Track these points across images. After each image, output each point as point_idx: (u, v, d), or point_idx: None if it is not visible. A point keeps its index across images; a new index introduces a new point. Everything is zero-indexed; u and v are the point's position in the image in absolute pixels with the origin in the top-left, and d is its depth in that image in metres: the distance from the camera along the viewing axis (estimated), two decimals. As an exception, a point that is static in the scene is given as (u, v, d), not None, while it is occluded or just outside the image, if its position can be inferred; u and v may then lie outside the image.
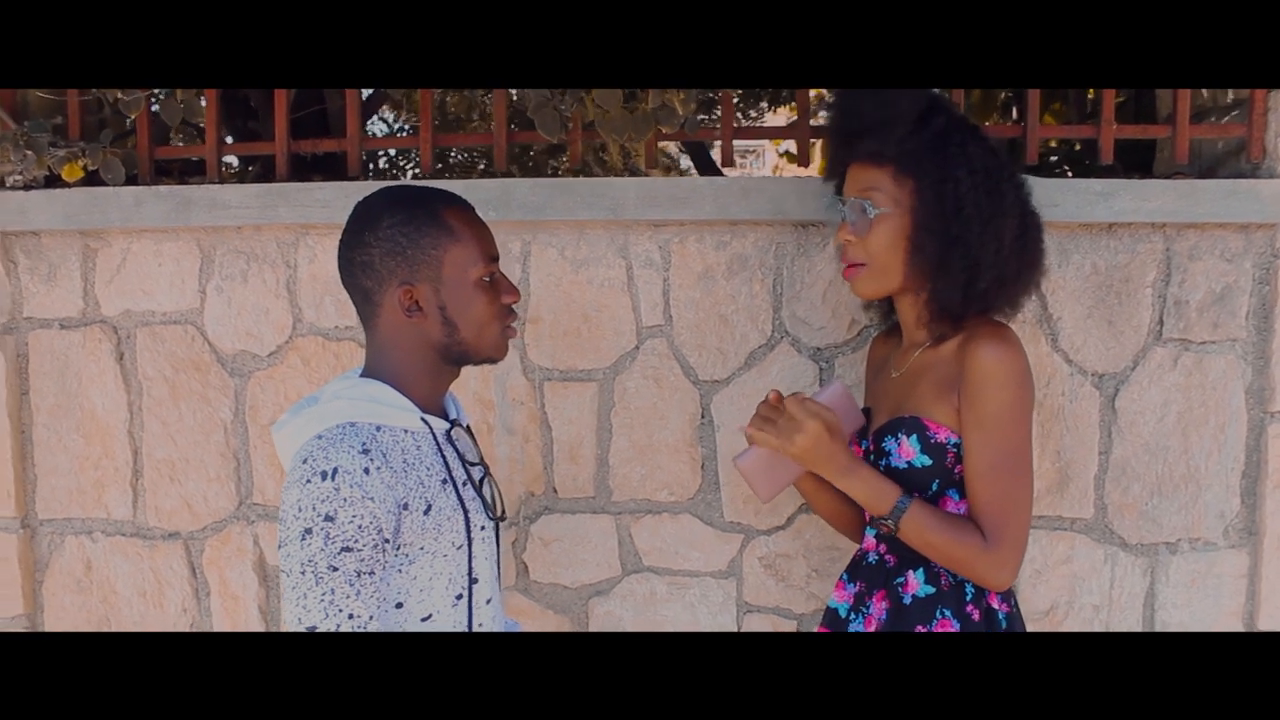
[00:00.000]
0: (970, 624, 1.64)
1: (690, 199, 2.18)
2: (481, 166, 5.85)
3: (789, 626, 2.30)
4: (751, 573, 2.28)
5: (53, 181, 2.37)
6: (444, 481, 1.42)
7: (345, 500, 1.27)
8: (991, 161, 1.67)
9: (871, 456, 1.74)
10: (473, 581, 1.47)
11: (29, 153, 2.26)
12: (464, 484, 1.47)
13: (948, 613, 1.64)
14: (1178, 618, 2.22)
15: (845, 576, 1.82)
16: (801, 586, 2.28)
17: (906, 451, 1.64)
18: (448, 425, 1.48)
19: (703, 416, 2.26)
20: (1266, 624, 2.19)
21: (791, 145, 2.33)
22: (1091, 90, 3.19)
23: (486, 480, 1.55)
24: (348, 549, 1.27)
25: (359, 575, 1.28)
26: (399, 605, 1.38)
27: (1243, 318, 2.16)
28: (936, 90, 1.75)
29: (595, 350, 2.27)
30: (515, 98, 2.32)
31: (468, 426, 1.58)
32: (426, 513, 1.37)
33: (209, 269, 2.35)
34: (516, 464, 2.31)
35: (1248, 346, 2.16)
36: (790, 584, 2.28)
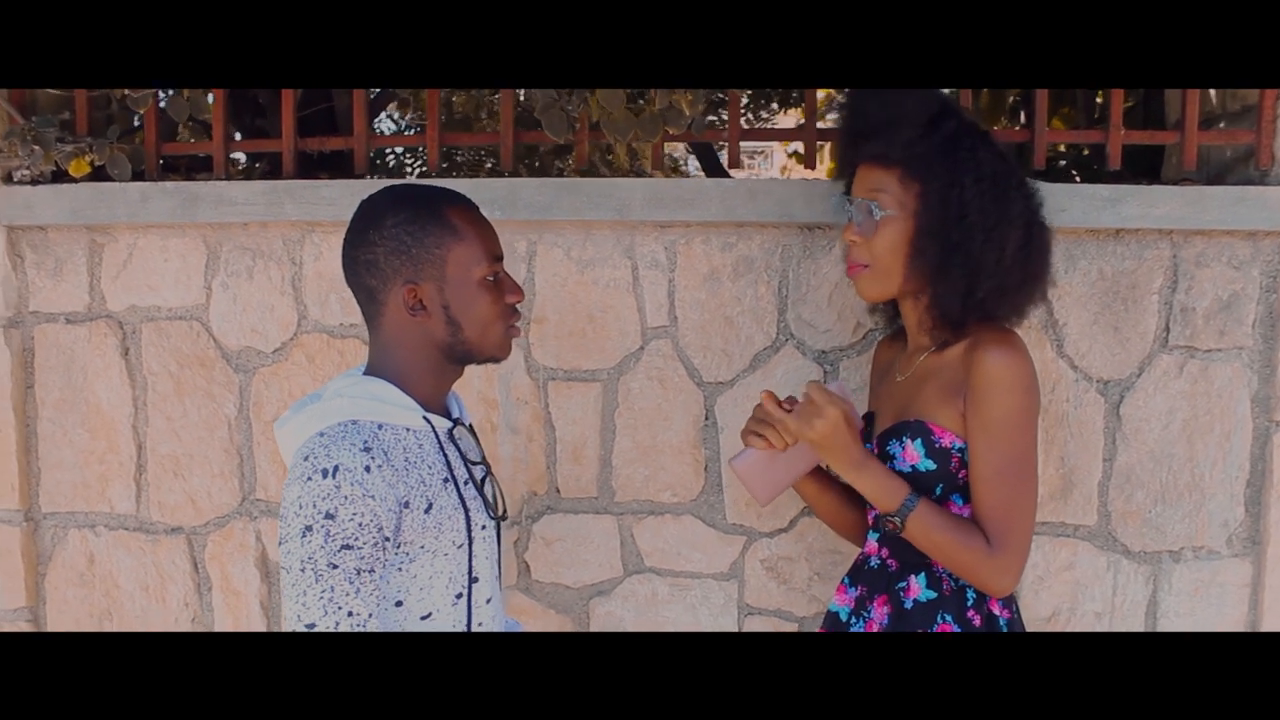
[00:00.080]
0: (971, 629, 1.63)
1: (696, 200, 2.18)
2: (489, 165, 5.85)
3: (790, 629, 2.29)
4: (753, 575, 2.28)
5: (60, 177, 2.38)
6: (445, 480, 1.42)
7: (346, 498, 1.27)
8: (1000, 168, 1.66)
9: (876, 460, 1.74)
10: (473, 580, 1.47)
11: (36, 148, 2.27)
12: (465, 483, 1.47)
13: (949, 617, 1.64)
14: (1180, 626, 2.22)
15: (847, 580, 1.81)
16: (803, 589, 2.27)
17: (911, 455, 1.64)
18: (450, 424, 1.48)
19: (706, 418, 2.26)
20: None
21: (801, 145, 2.32)
22: (1100, 95, 3.18)
23: (488, 479, 1.55)
24: (348, 546, 1.27)
25: (359, 573, 1.28)
26: (399, 603, 1.38)
27: (1249, 326, 2.15)
28: (947, 92, 1.75)
29: (600, 350, 2.27)
30: (523, 98, 2.32)
31: (470, 425, 1.58)
32: (427, 511, 1.37)
33: (215, 265, 2.36)
34: (520, 463, 2.31)
35: (1254, 355, 2.16)
36: (792, 587, 2.28)
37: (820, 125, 2.31)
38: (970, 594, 1.65)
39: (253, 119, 3.28)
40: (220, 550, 2.41)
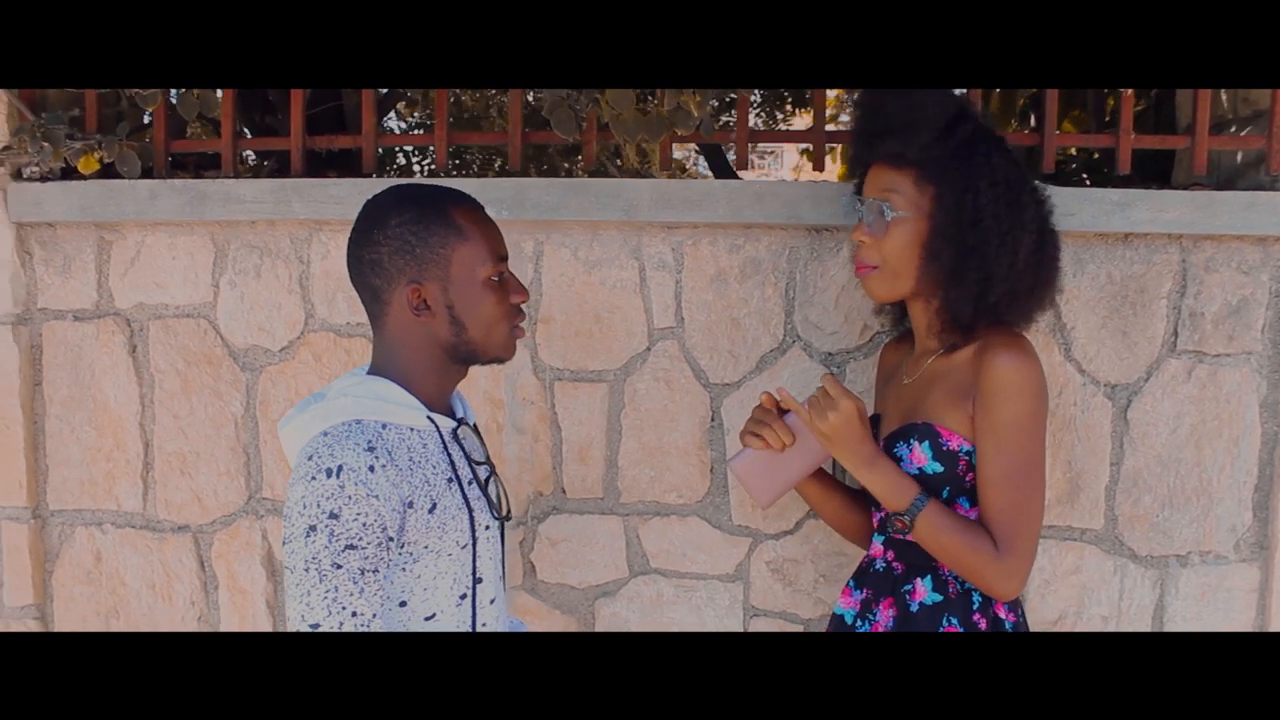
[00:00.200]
0: (976, 632, 1.63)
1: (704, 201, 2.18)
2: (498, 165, 5.86)
3: (795, 631, 2.29)
4: (759, 577, 2.28)
5: (69, 173, 2.38)
6: (449, 480, 1.42)
7: (350, 498, 1.27)
8: (1014, 174, 1.66)
9: (882, 462, 1.73)
10: (477, 581, 1.46)
11: (46, 145, 2.27)
12: (469, 483, 1.47)
13: (954, 620, 1.64)
14: (1187, 631, 2.21)
15: (852, 583, 1.81)
16: (809, 591, 2.27)
17: (918, 458, 1.64)
18: (454, 424, 1.48)
19: (713, 419, 2.26)
20: (1277, 639, 2.18)
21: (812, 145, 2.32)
22: (1111, 98, 3.17)
23: (492, 479, 1.55)
24: (352, 546, 1.27)
25: (363, 573, 1.28)
26: (402, 604, 1.38)
27: (1259, 331, 2.14)
28: (961, 91, 1.75)
29: (606, 351, 2.27)
30: (533, 99, 2.32)
31: (474, 425, 1.58)
32: (431, 511, 1.37)
33: (222, 263, 2.36)
34: (525, 464, 2.31)
35: (1263, 360, 2.15)
36: (797, 589, 2.27)
37: (830, 128, 2.31)
38: (976, 597, 1.65)
39: (262, 117, 3.29)
40: (227, 549, 2.42)
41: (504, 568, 1.60)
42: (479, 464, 1.52)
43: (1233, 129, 2.47)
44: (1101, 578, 2.20)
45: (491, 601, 1.51)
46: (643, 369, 2.26)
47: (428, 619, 1.40)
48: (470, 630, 1.46)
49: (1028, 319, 1.71)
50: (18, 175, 2.39)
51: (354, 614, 1.27)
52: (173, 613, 2.45)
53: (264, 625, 2.42)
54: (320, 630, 1.26)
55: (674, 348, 2.25)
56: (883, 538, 1.76)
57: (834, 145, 2.33)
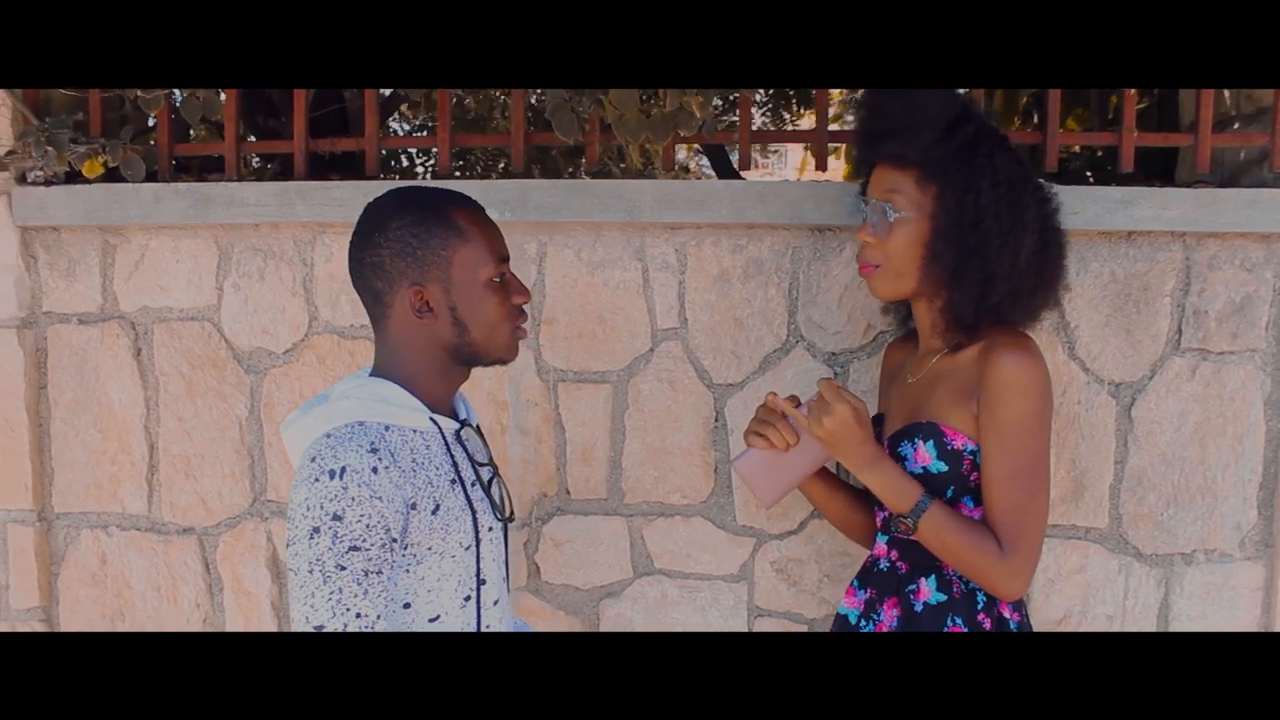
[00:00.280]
0: (981, 632, 1.63)
1: (707, 202, 2.18)
2: (502, 166, 5.86)
3: (799, 631, 2.29)
4: (763, 577, 2.28)
5: (73, 177, 2.39)
6: (452, 481, 1.42)
7: (353, 499, 1.27)
8: (1017, 173, 1.66)
9: (886, 462, 1.73)
10: (481, 583, 1.47)
11: (50, 149, 2.27)
12: (472, 484, 1.47)
13: (959, 620, 1.64)
14: (1192, 630, 2.20)
15: (856, 583, 1.81)
16: (813, 591, 2.27)
17: (923, 457, 1.64)
18: (457, 425, 1.48)
19: (716, 420, 2.26)
20: (1283, 637, 2.18)
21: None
22: (1114, 96, 3.17)
23: (495, 481, 1.55)
24: (355, 548, 1.27)
25: (366, 574, 1.28)
26: (406, 606, 1.38)
27: (1262, 328, 2.14)
28: (963, 91, 1.74)
29: (610, 352, 2.27)
30: (536, 101, 2.32)
31: (477, 426, 1.58)
32: (434, 513, 1.37)
33: (226, 266, 2.36)
34: (529, 465, 2.31)
35: (1267, 357, 2.14)
36: (802, 589, 2.27)
37: (833, 128, 2.31)
38: (980, 597, 1.65)
39: (265, 120, 3.30)
40: (232, 551, 2.42)
41: (508, 569, 1.60)
42: (482, 465, 1.52)
43: (1235, 126, 2.47)
44: (1106, 577, 2.20)
45: (495, 603, 1.51)
46: (646, 370, 2.26)
47: (432, 620, 1.40)
48: (475, 632, 1.47)
49: (1032, 318, 1.71)
50: (22, 179, 2.39)
51: (358, 615, 1.27)
52: (178, 615, 2.46)
53: (269, 627, 2.42)
54: (325, 632, 1.26)
55: (677, 348, 2.25)
56: (887, 537, 1.76)
57: (837, 145, 2.32)
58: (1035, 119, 3.61)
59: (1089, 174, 3.58)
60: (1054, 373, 2.14)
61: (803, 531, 2.26)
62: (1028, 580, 1.58)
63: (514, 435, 2.30)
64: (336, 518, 1.26)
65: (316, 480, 1.28)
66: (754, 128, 2.30)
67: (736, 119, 2.34)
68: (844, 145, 2.50)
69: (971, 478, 1.63)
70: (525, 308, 1.54)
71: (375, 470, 1.30)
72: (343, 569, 1.26)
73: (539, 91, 2.24)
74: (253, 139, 3.34)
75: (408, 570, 1.37)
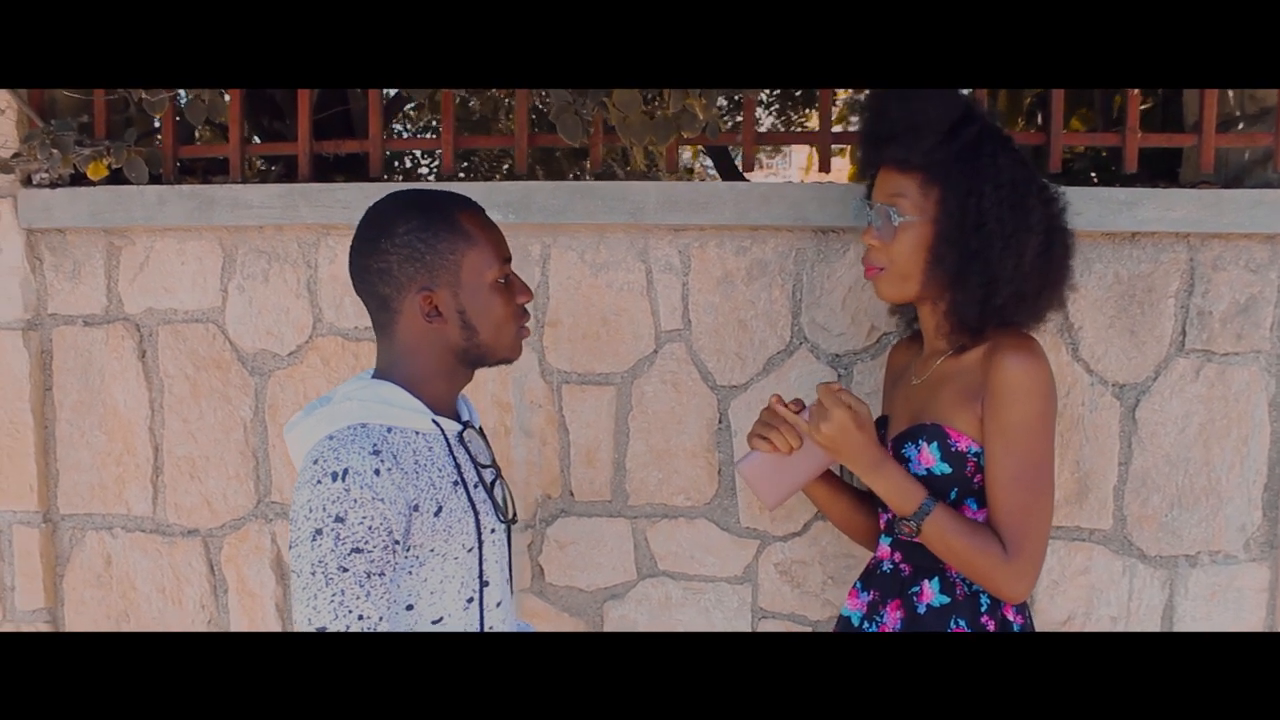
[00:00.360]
0: (982, 632, 1.63)
1: (710, 204, 2.18)
2: (506, 168, 5.88)
3: (804, 633, 2.29)
4: (767, 579, 2.28)
5: (78, 180, 2.40)
6: (455, 483, 1.43)
7: (356, 501, 1.27)
8: (1020, 175, 1.65)
9: (890, 463, 1.73)
10: (483, 584, 1.47)
11: (55, 151, 2.28)
12: (475, 486, 1.48)
13: (962, 622, 1.64)
14: (1197, 631, 2.20)
15: (859, 585, 1.81)
16: (817, 593, 2.27)
17: (926, 459, 1.64)
18: (460, 427, 1.48)
19: (720, 422, 2.26)
20: (1287, 639, 2.17)
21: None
22: (1118, 97, 3.17)
23: (498, 482, 1.55)
24: (358, 550, 1.27)
25: (369, 576, 1.28)
26: (409, 607, 1.38)
27: (1267, 329, 2.13)
28: (967, 91, 1.74)
29: (614, 354, 2.27)
30: (540, 103, 2.32)
31: (479, 428, 1.58)
32: (437, 514, 1.37)
33: (231, 268, 2.37)
34: (533, 466, 2.31)
35: (1272, 358, 2.14)
36: (806, 590, 2.27)
37: (836, 129, 2.31)
38: (984, 599, 1.65)
39: (269, 122, 3.30)
40: (236, 552, 2.42)
41: (510, 570, 1.61)
42: (484, 467, 1.53)
43: (1240, 127, 2.46)
44: (1110, 578, 2.20)
45: (498, 604, 1.51)
46: (650, 371, 2.27)
47: (435, 622, 1.41)
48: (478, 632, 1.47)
49: (1038, 319, 1.71)
50: (28, 182, 2.40)
51: (360, 617, 1.27)
52: (183, 616, 2.46)
53: (273, 628, 2.42)
54: (328, 633, 1.26)
55: (681, 350, 2.26)
56: (890, 539, 1.76)
57: (842, 146, 2.32)
58: (1039, 120, 3.61)
59: (1093, 175, 3.58)
60: (1058, 374, 2.13)
61: (806, 533, 2.26)
62: (1032, 582, 1.58)
63: (518, 437, 2.31)
64: (339, 520, 1.27)
65: (319, 482, 1.28)
66: (762, 129, 2.30)
67: (742, 120, 2.34)
68: (849, 147, 2.51)
69: (975, 480, 1.63)
70: (529, 308, 1.54)
71: (378, 472, 1.30)
72: (345, 571, 1.26)
73: (543, 94, 2.24)
74: (257, 141, 3.35)
75: (410, 572, 1.37)
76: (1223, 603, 2.19)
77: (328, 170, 2.62)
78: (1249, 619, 2.19)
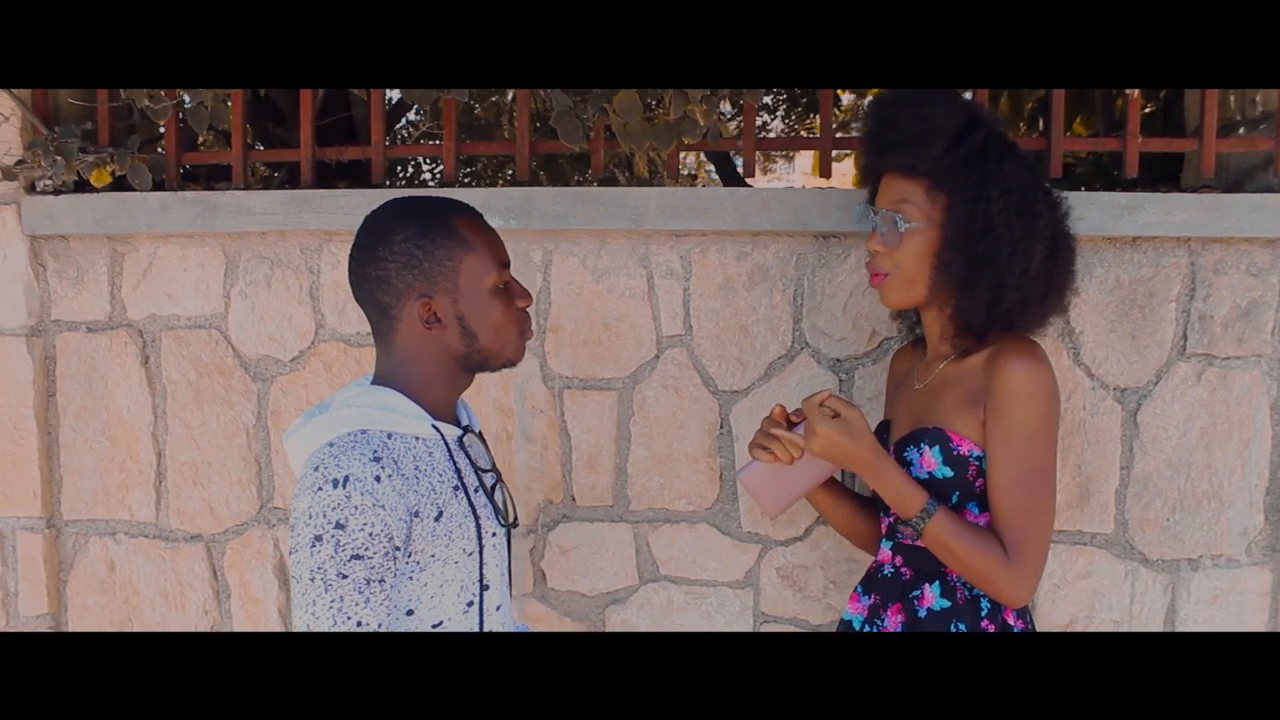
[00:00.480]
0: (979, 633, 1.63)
1: (712, 209, 2.18)
2: (510, 174, 5.90)
3: (806, 638, 2.29)
4: (769, 583, 2.28)
5: (82, 186, 2.40)
6: (455, 488, 1.43)
7: (356, 508, 1.28)
8: (1027, 181, 1.66)
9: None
10: (484, 588, 1.47)
11: (59, 158, 2.29)
12: (475, 490, 1.48)
13: (962, 626, 1.64)
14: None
15: (860, 589, 1.81)
16: (819, 598, 2.27)
17: (928, 462, 1.64)
18: (460, 431, 1.49)
19: (721, 427, 2.26)
20: (1290, 643, 2.17)
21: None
22: (1120, 100, 3.17)
23: (498, 486, 1.55)
24: (358, 556, 1.27)
25: (368, 583, 1.28)
26: (409, 612, 1.38)
27: (1268, 333, 2.13)
28: (969, 95, 1.74)
29: (615, 359, 2.27)
30: (541, 106, 2.33)
31: (479, 432, 1.58)
32: (438, 519, 1.38)
33: (233, 274, 2.37)
34: (535, 472, 2.31)
35: (1273, 362, 2.14)
36: (807, 595, 2.27)
37: (838, 135, 2.31)
38: (985, 603, 1.65)
39: (272, 128, 3.31)
40: (239, 558, 2.43)
41: (510, 574, 1.61)
42: (485, 471, 1.53)
43: (1240, 131, 2.46)
44: (1112, 582, 2.20)
45: (498, 608, 1.51)
46: (651, 377, 2.27)
47: (435, 626, 1.41)
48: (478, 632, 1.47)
49: (1042, 324, 1.71)
50: (31, 189, 2.41)
51: (359, 624, 1.27)
52: (186, 621, 2.46)
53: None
54: (330, 633, 1.27)
55: (682, 355, 2.26)
56: (891, 543, 1.76)
57: (844, 151, 2.32)
58: (1040, 124, 3.61)
59: (1096, 180, 3.59)
60: (1059, 378, 2.13)
61: (808, 538, 2.26)
62: (1034, 586, 1.58)
63: (520, 442, 2.31)
64: (339, 526, 1.27)
65: (319, 489, 1.29)
66: (770, 134, 2.30)
67: (740, 125, 2.34)
68: (854, 152, 2.51)
69: (977, 484, 1.63)
70: (529, 312, 1.54)
71: (378, 479, 1.30)
72: (344, 577, 1.27)
73: (545, 99, 2.24)
74: (260, 147, 3.36)
75: (411, 577, 1.37)
76: (1225, 606, 2.19)
77: (330, 177, 2.63)
78: (1251, 623, 2.19)
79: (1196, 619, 2.19)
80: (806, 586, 2.27)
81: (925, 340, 1.81)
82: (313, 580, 1.27)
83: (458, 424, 1.52)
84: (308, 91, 2.42)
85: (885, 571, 1.76)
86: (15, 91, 2.36)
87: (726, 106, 2.51)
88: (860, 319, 2.20)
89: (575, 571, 2.33)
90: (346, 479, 1.28)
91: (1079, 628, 2.21)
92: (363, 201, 2.26)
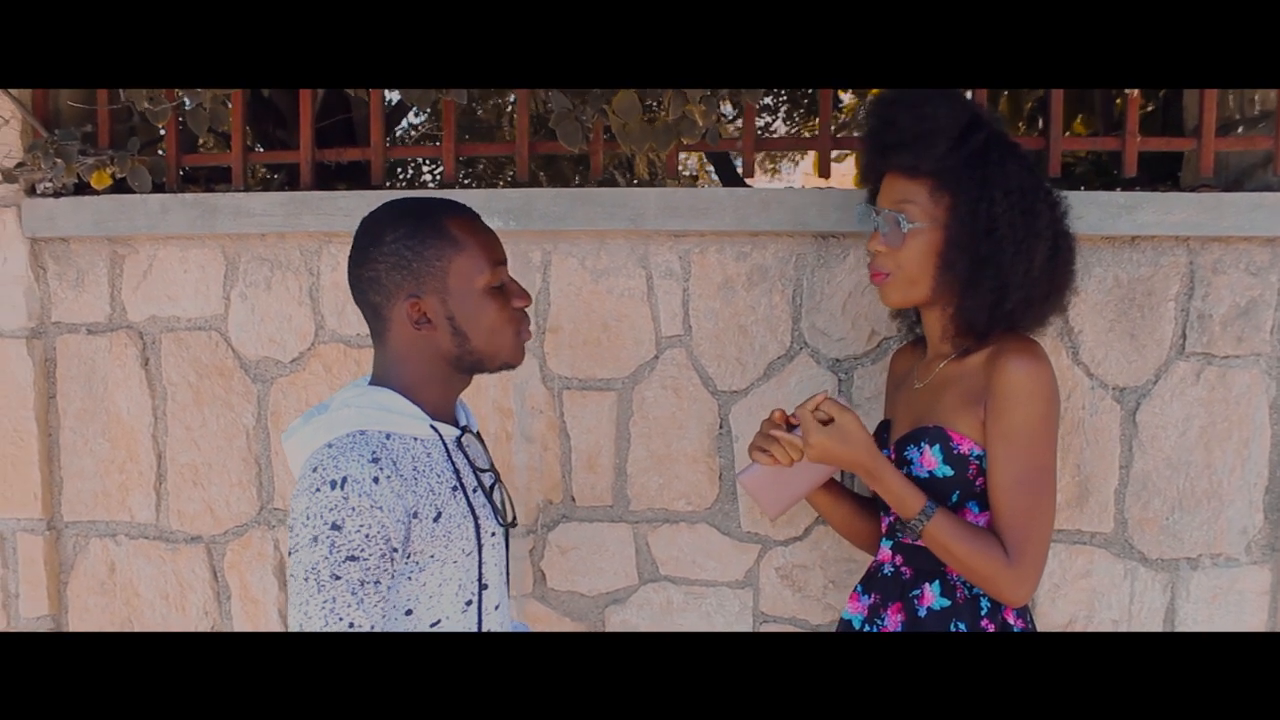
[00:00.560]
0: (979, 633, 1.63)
1: (711, 210, 2.19)
2: (510, 175, 5.90)
3: (806, 638, 2.29)
4: (768, 583, 2.28)
5: (82, 189, 2.41)
6: (454, 488, 1.43)
7: (354, 509, 1.28)
8: (1028, 181, 1.66)
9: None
10: (483, 587, 1.47)
11: (59, 160, 2.29)
12: (474, 490, 1.48)
13: (962, 626, 1.64)
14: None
15: (860, 588, 1.81)
16: (818, 598, 2.27)
17: (929, 461, 1.64)
18: (458, 432, 1.49)
19: (721, 427, 2.26)
20: (1290, 642, 2.17)
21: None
22: (1119, 99, 3.17)
23: (497, 486, 1.56)
24: (353, 558, 1.27)
25: (362, 584, 1.28)
26: (408, 612, 1.38)
27: (1267, 332, 2.14)
28: (969, 94, 1.74)
29: (614, 360, 2.28)
30: (541, 108, 2.33)
31: (477, 433, 1.58)
32: (436, 520, 1.38)
33: (233, 276, 2.38)
34: (535, 472, 2.31)
35: (1272, 361, 2.14)
36: (807, 595, 2.27)
37: (838, 135, 2.31)
38: (985, 602, 1.65)
39: (273, 130, 3.32)
40: (239, 559, 2.43)
41: (509, 574, 1.61)
42: (483, 471, 1.53)
43: (1239, 130, 2.47)
44: (1112, 581, 2.20)
45: (496, 607, 1.51)
46: (651, 377, 2.27)
47: (433, 625, 1.41)
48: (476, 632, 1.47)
49: (1043, 324, 1.72)
50: (31, 191, 2.41)
51: (351, 625, 1.27)
52: (186, 623, 2.47)
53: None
54: (325, 633, 1.27)
55: (682, 356, 2.26)
56: (891, 543, 1.76)
57: (844, 151, 2.33)
58: (1040, 124, 3.62)
59: (1095, 179, 3.59)
60: (1059, 377, 2.13)
61: (808, 538, 2.26)
62: (1034, 586, 1.58)
63: (519, 442, 2.31)
64: (335, 527, 1.27)
65: (318, 490, 1.29)
66: (775, 135, 2.30)
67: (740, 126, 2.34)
68: (854, 152, 2.51)
69: (977, 483, 1.63)
70: (529, 313, 1.54)
71: (377, 480, 1.30)
72: (338, 578, 1.27)
73: (544, 100, 2.25)
74: (260, 149, 3.36)
75: (409, 578, 1.37)
76: (1224, 606, 2.19)
77: (330, 178, 2.63)
78: (1251, 622, 2.19)
79: (1196, 618, 2.20)
80: (806, 586, 2.27)
81: (925, 339, 1.82)
82: (306, 580, 1.27)
83: (456, 424, 1.52)
84: (307, 93, 2.42)
85: (885, 571, 1.76)
86: (15, 94, 2.37)
87: (727, 108, 2.52)
88: (859, 319, 2.20)
89: (575, 571, 2.33)
90: (344, 480, 1.29)
91: (1078, 627, 2.21)
92: (362, 203, 2.26)
